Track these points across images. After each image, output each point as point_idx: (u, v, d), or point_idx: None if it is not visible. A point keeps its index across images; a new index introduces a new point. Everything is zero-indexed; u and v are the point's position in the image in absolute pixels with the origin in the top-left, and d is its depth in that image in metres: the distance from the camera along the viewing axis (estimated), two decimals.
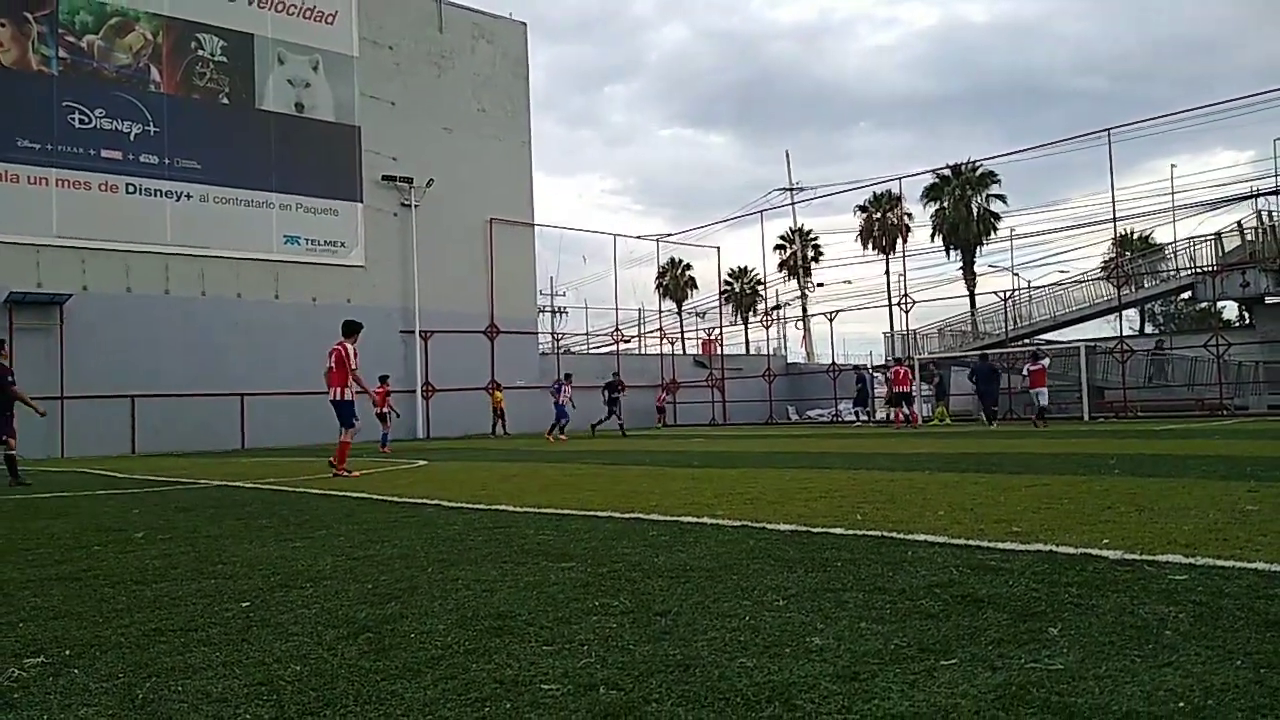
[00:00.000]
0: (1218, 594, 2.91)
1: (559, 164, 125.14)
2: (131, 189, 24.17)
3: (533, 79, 33.17)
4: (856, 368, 33.12)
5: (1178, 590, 3.00)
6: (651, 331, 43.04)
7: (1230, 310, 42.08)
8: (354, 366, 10.88)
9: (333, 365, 11.01)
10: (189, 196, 25.04)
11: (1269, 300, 31.35)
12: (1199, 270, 32.39)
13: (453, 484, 8.88)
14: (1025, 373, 22.42)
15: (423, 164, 29.12)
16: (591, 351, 41.00)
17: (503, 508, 6.36)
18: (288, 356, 25.49)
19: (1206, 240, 32.80)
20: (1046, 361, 22.75)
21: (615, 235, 37.30)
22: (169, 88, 25.07)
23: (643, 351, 40.90)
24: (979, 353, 28.29)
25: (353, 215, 28.14)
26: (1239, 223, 32.27)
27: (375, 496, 7.74)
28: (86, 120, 23.67)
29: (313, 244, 27.33)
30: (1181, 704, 1.93)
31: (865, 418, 28.98)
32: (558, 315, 52.60)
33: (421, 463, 11.08)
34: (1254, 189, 35.37)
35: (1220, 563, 3.42)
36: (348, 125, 28.18)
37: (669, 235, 43.84)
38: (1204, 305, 42.43)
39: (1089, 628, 2.58)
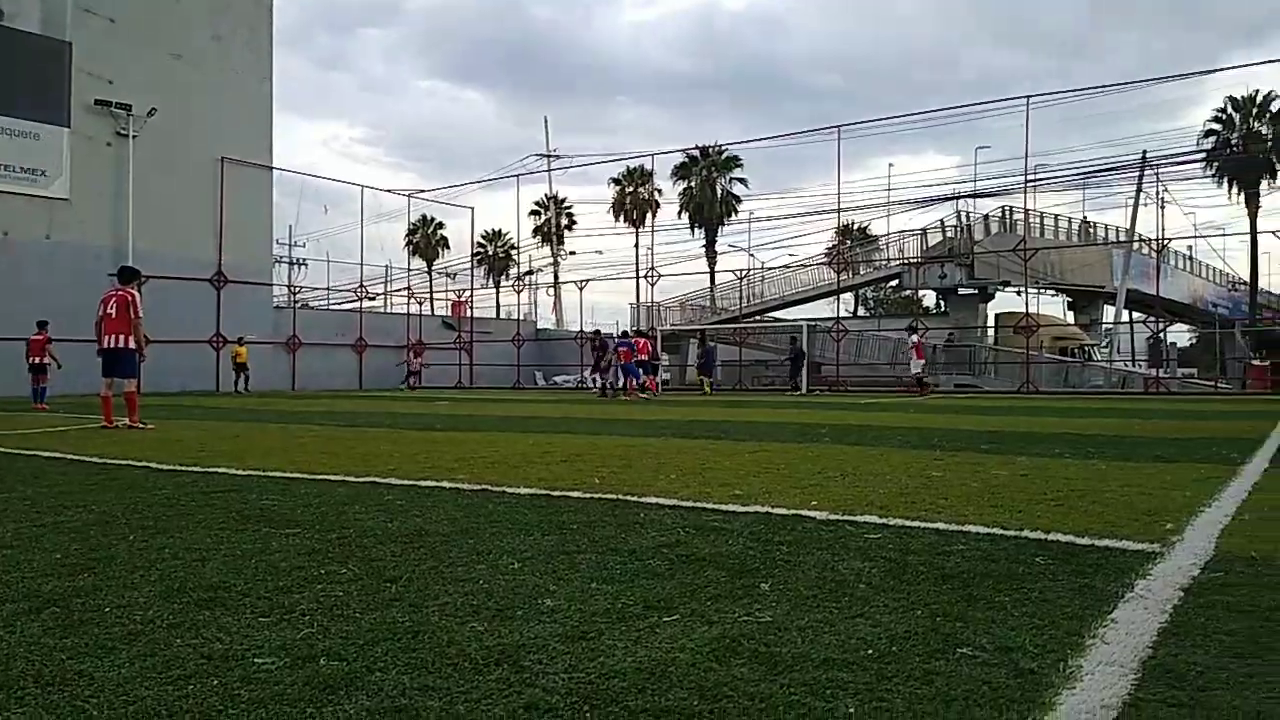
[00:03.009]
0: (905, 550, 3.27)
1: (305, 106, 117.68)
2: None
3: (278, 10, 30.76)
4: (591, 337, 33.90)
5: (872, 548, 3.33)
6: (399, 290, 41.73)
7: (930, 298, 47.20)
8: (139, 315, 10.28)
9: (111, 312, 10.27)
10: None
11: (961, 291, 35.56)
12: (907, 261, 36.08)
13: (166, 443, 8.15)
14: (911, 344, 24.71)
15: (145, 92, 26.15)
16: (333, 307, 39.06)
17: (222, 470, 5.92)
18: None
19: (914, 234, 36.59)
20: (916, 338, 25.18)
21: (363, 187, 35.65)
22: None
23: (388, 310, 39.53)
24: (789, 335, 31.07)
25: (57, 141, 24.80)
26: (942, 220, 36.28)
27: (71, 456, 6.94)
28: None
29: (6, 170, 23.84)
30: (870, 651, 2.14)
31: (599, 384, 30.06)
32: (296, 267, 49.50)
33: (124, 422, 10.05)
34: (956, 191, 39.84)
35: (908, 523, 3.83)
36: (56, 40, 24.68)
37: (421, 191, 42.49)
38: (908, 292, 47.29)
39: (796, 583, 2.80)
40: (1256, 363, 32.01)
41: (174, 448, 7.74)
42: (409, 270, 46.72)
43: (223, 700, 1.84)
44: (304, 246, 52.28)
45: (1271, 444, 7.76)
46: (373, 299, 37.59)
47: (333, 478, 5.47)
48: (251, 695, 1.87)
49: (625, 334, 26.88)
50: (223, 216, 28.29)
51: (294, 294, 36.82)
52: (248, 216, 29.20)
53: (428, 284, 54.93)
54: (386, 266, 43.16)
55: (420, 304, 41.72)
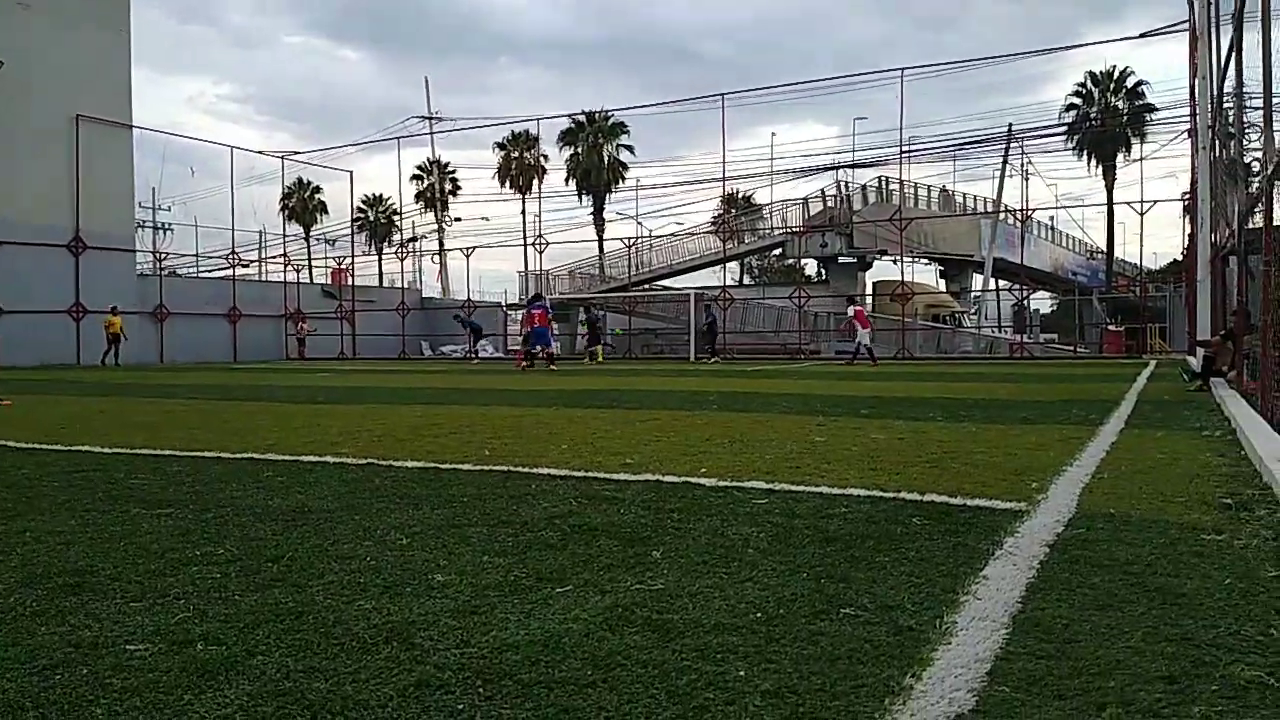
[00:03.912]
0: (790, 515, 3.35)
1: (165, 61, 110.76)
2: None
3: None
4: (461, 310, 33.45)
5: (759, 513, 3.41)
6: (275, 257, 40.11)
7: (811, 267, 48.33)
8: None
9: None
10: None
11: (841, 260, 36.58)
12: (789, 230, 36.85)
13: (26, 420, 7.65)
14: (850, 314, 23.31)
15: None
16: (203, 275, 37.25)
17: (86, 448, 5.60)
18: None
19: (796, 204, 37.37)
20: (855, 308, 23.92)
21: (233, 148, 33.87)
22: None
23: (264, 278, 37.98)
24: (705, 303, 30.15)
25: None
26: (823, 190, 37.12)
27: None
28: None
29: None
30: (759, 614, 2.20)
31: (474, 355, 29.90)
32: (161, 232, 46.89)
33: None
34: (836, 161, 40.79)
35: (793, 488, 3.94)
36: None
37: (296, 153, 40.69)
38: (791, 261, 48.31)
39: (687, 550, 2.85)
40: (1112, 328, 34.14)
41: (34, 424, 7.27)
42: (285, 236, 44.92)
43: (93, 690, 1.75)
44: (169, 211, 49.60)
45: (1126, 406, 8.30)
46: (246, 266, 36.04)
47: (207, 454, 5.24)
48: (124, 684, 1.78)
49: (538, 296, 25.74)
50: (79, 178, 26.49)
51: (160, 261, 34.94)
52: (106, 178, 27.41)
53: (305, 251, 53.02)
54: (261, 232, 41.43)
55: (298, 272, 40.14)
